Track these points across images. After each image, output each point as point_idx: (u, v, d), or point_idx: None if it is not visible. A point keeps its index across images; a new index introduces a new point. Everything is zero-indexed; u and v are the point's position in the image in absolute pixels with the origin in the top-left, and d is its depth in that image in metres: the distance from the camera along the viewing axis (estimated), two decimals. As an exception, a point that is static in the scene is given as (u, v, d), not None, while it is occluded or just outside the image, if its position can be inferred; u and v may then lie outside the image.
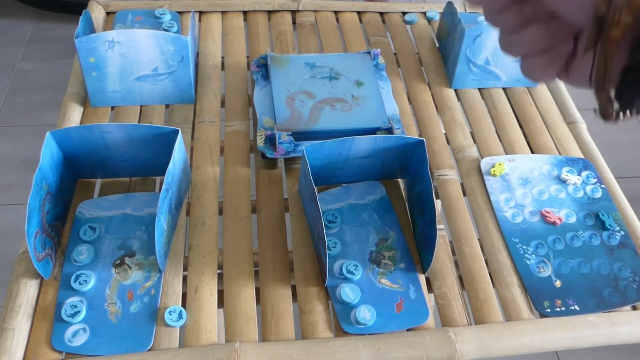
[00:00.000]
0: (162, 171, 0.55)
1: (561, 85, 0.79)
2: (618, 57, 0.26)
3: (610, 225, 0.62)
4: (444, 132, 0.72)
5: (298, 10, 0.86)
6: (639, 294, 0.56)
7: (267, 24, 0.85)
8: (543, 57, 0.30)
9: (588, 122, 0.75)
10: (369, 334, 0.51)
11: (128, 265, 0.55)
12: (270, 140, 0.64)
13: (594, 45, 0.27)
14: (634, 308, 0.56)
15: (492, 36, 0.73)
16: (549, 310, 0.55)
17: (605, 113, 0.29)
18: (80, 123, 0.68)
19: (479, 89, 0.78)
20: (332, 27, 0.85)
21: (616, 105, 0.28)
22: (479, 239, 0.61)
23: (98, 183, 0.63)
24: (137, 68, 0.67)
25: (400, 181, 0.65)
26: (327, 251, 0.51)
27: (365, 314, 0.52)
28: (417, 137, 0.58)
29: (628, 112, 0.28)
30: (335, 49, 0.81)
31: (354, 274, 0.55)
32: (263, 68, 0.72)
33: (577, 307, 0.55)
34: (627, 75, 0.26)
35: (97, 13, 0.80)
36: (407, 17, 0.87)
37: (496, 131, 0.73)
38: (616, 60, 0.26)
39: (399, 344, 0.50)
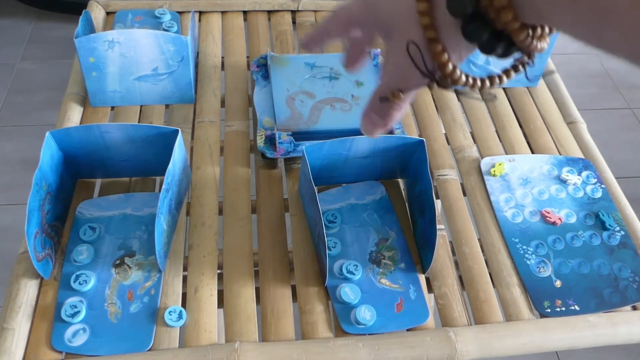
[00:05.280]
0: (162, 171, 0.55)
1: (561, 85, 0.79)
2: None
3: (610, 225, 0.62)
4: (444, 132, 0.72)
5: (298, 10, 0.86)
6: (639, 294, 0.56)
7: (267, 23, 0.85)
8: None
9: (588, 122, 0.75)
10: (369, 334, 0.51)
11: (128, 265, 0.55)
12: (270, 140, 0.64)
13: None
14: (634, 308, 0.56)
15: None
16: (549, 310, 0.55)
17: (444, 76, 0.32)
18: (80, 123, 0.68)
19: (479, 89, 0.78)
20: (332, 27, 0.85)
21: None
22: (479, 239, 0.61)
23: (98, 183, 0.63)
24: (137, 68, 0.67)
25: (400, 181, 0.65)
26: (327, 251, 0.51)
27: (365, 314, 0.52)
28: (417, 137, 0.58)
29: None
30: (335, 49, 0.81)
31: (354, 274, 0.55)
32: (263, 68, 0.72)
33: (577, 307, 0.55)
34: (467, 27, 0.30)
35: (97, 13, 0.80)
36: (407, 17, 0.87)
37: (496, 131, 0.73)
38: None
39: (399, 344, 0.50)
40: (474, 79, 0.33)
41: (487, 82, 0.33)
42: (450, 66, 0.32)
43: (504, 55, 0.31)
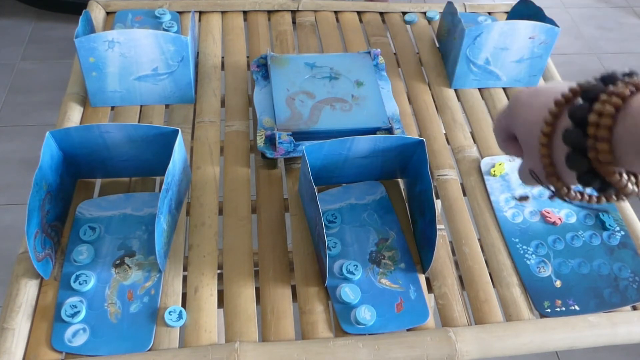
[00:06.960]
0: (162, 171, 0.55)
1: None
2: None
3: (610, 225, 0.62)
4: (444, 132, 0.72)
5: (298, 10, 0.86)
6: (639, 294, 0.56)
7: (267, 23, 0.85)
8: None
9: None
10: (369, 334, 0.51)
11: (128, 265, 0.55)
12: (270, 140, 0.64)
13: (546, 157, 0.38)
14: (634, 308, 0.56)
15: (492, 36, 0.73)
16: (549, 310, 0.55)
17: (560, 195, 0.39)
18: (80, 123, 0.68)
19: (479, 89, 0.78)
20: (332, 27, 0.85)
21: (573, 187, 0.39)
22: (479, 239, 0.61)
23: (98, 183, 0.63)
24: (137, 68, 0.67)
25: (400, 181, 0.65)
26: (327, 251, 0.51)
27: (365, 314, 0.52)
28: (417, 137, 0.58)
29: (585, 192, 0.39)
30: (335, 49, 0.81)
31: (354, 274, 0.55)
32: (263, 68, 0.72)
33: (577, 307, 0.55)
34: (582, 177, 0.36)
35: (97, 13, 0.80)
36: (407, 17, 0.87)
37: (496, 131, 0.73)
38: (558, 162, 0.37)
39: (399, 344, 0.50)
40: (590, 197, 0.40)
41: (603, 200, 0.39)
42: (565, 189, 0.39)
43: (601, 190, 0.37)
